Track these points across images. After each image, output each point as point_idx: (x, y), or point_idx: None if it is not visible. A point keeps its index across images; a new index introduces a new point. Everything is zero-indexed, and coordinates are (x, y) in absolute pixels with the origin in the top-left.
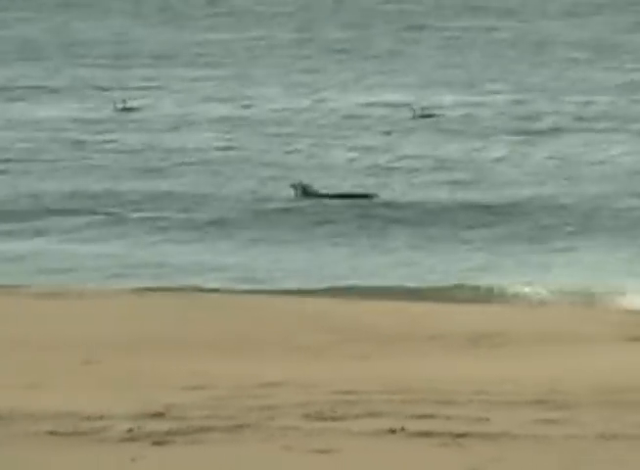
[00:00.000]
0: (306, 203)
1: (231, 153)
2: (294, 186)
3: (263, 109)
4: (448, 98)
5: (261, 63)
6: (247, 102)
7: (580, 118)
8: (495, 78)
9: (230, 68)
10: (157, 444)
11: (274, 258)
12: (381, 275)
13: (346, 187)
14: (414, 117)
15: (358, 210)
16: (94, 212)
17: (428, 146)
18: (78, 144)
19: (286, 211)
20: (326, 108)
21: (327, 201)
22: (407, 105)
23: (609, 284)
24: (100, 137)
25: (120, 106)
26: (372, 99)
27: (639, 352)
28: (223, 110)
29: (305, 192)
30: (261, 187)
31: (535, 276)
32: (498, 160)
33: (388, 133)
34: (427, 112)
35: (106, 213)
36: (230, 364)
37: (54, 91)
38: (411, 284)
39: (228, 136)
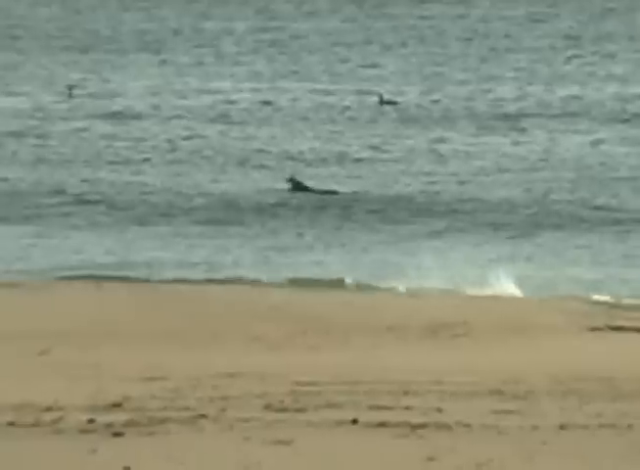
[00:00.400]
0: (289, 196)
1: (196, 142)
2: (290, 180)
3: (224, 99)
4: (415, 86)
5: (221, 50)
6: (209, 91)
7: (545, 108)
8: (463, 67)
9: (188, 56)
10: (115, 435)
11: (235, 248)
12: (335, 269)
13: (310, 178)
14: (381, 104)
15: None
16: (52, 202)
17: (392, 136)
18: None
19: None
20: (289, 96)
21: (313, 195)
22: (373, 93)
23: (567, 274)
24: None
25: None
26: (337, 87)
27: (598, 342)
28: (186, 101)
29: (298, 187)
30: (221, 175)
31: (492, 268)
32: (456, 151)
33: (353, 119)
34: (392, 99)
35: (65, 203)
36: (188, 355)
37: None
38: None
39: (193, 126)
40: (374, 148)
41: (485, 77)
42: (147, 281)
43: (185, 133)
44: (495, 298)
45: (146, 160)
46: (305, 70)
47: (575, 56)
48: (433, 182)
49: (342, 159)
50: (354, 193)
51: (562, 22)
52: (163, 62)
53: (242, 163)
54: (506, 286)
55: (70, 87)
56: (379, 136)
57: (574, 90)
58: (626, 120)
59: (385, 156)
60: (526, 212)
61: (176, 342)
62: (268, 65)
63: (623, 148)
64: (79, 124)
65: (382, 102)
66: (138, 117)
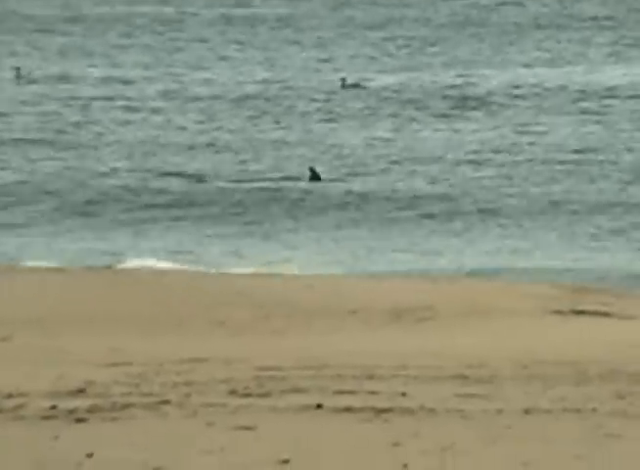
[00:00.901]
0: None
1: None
2: (310, 169)
3: (193, 82)
4: (378, 69)
5: (188, 36)
6: (177, 76)
7: (510, 94)
8: (434, 52)
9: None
10: (78, 421)
11: (204, 236)
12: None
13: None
14: (344, 88)
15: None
16: (20, 190)
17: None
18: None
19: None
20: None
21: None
22: (337, 76)
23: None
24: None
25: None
26: (302, 71)
27: (562, 325)
28: (157, 86)
29: (315, 176)
30: (190, 161)
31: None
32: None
33: (316, 100)
34: (356, 82)
35: (34, 192)
36: (152, 340)
37: None
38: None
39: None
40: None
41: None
42: (110, 267)
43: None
44: (460, 281)
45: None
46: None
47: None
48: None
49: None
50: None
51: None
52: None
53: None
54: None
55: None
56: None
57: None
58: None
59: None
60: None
61: (140, 327)
62: (235, 49)
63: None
64: None
65: (344, 85)
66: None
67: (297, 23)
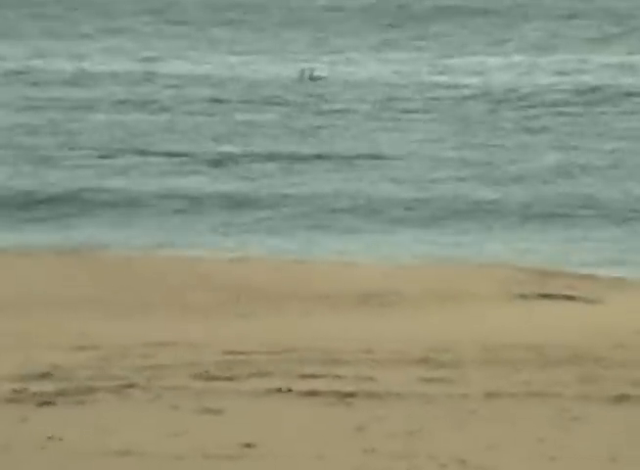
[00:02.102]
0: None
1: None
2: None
3: (165, 69)
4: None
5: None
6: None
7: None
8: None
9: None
10: (44, 404)
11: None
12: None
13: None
14: (302, 80)
15: None
16: None
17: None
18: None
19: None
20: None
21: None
22: (297, 68)
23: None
24: None
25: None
26: (258, 64)
27: (527, 309)
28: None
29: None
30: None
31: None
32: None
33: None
34: (316, 74)
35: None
36: (117, 324)
37: None
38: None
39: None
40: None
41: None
42: (76, 250)
43: None
44: (427, 267)
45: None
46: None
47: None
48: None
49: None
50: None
51: None
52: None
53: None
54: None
55: None
56: None
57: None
58: None
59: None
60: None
61: (106, 311)
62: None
63: None
64: None
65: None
66: None
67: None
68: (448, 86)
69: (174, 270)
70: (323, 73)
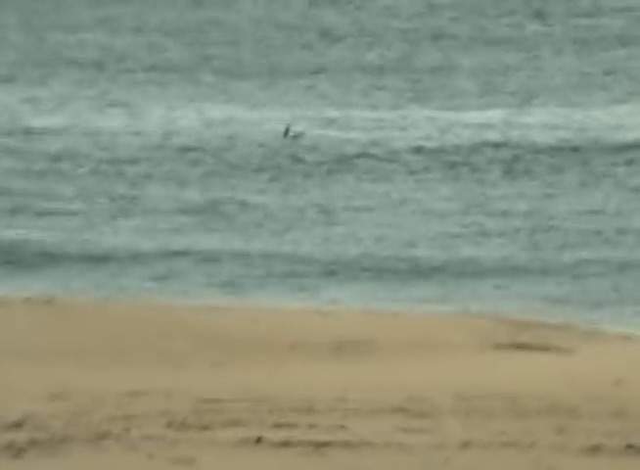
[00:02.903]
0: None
1: None
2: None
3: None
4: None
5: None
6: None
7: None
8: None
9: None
10: (16, 455)
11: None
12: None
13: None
14: (285, 137)
15: None
16: None
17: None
18: None
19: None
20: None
21: None
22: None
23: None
24: None
25: None
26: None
27: (503, 359)
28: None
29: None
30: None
31: None
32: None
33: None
34: (299, 130)
35: None
36: (91, 373)
37: None
38: None
39: None
40: None
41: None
42: (50, 299)
43: None
44: (401, 315)
45: None
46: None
47: None
48: None
49: None
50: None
51: None
52: None
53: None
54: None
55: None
56: None
57: None
58: None
59: None
60: None
61: (79, 360)
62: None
63: None
64: None
65: (287, 133)
66: None
67: None
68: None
69: (148, 318)
70: (300, 129)
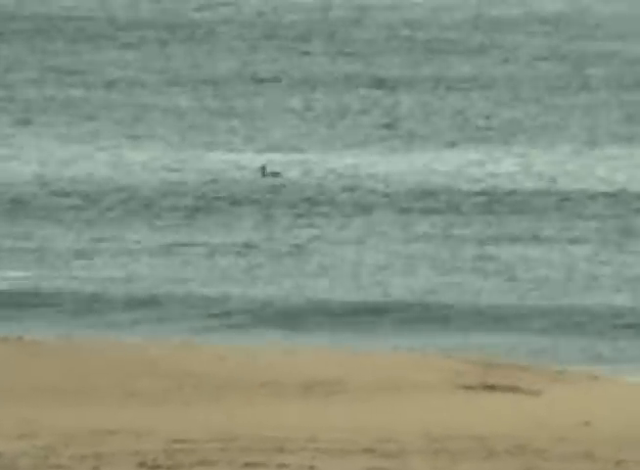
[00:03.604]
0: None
1: None
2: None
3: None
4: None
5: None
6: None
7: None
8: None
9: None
10: None
11: None
12: None
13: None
14: (264, 176)
15: None
16: None
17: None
18: None
19: None
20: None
21: None
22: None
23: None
24: None
25: None
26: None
27: (471, 400)
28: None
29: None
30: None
31: None
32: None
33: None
34: (276, 170)
35: None
36: (61, 411)
37: None
38: None
39: None
40: None
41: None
42: (19, 336)
43: None
44: (371, 355)
45: None
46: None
47: None
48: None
49: None
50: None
51: None
52: None
53: None
54: None
55: None
56: None
57: None
58: None
59: None
60: None
61: (49, 398)
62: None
63: None
64: None
65: (264, 173)
66: None
67: None
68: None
69: (119, 356)
70: (277, 169)
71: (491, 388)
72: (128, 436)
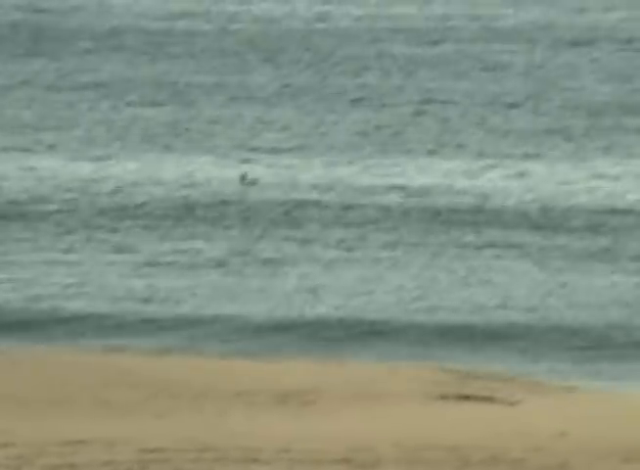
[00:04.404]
0: None
1: None
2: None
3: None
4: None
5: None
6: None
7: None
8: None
9: None
10: None
11: None
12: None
13: None
14: (243, 183)
15: None
16: None
17: None
18: None
19: None
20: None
21: None
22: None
23: None
24: None
25: None
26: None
27: (446, 410)
28: None
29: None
30: None
31: None
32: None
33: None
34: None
35: None
36: (35, 421)
37: None
38: None
39: None
40: None
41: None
42: None
43: None
44: (347, 365)
45: None
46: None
47: None
48: None
49: None
50: None
51: None
52: None
53: None
54: None
55: None
56: None
57: None
58: None
59: None
60: None
61: (22, 408)
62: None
63: None
64: None
65: (244, 180)
66: None
67: None
68: None
69: (92, 367)
70: (256, 176)
71: (467, 398)
72: (101, 446)
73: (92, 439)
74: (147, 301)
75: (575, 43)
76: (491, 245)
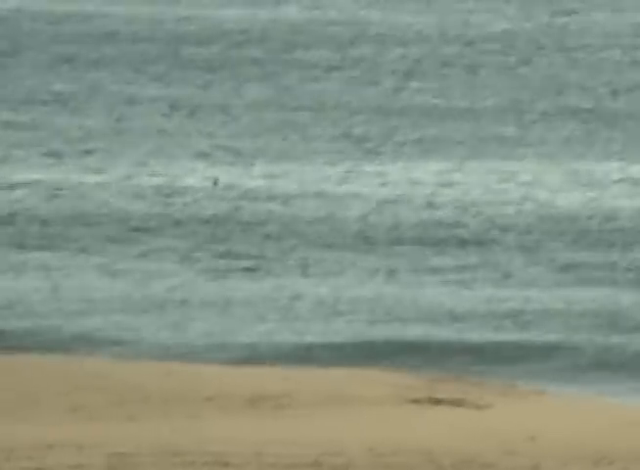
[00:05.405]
0: None
1: None
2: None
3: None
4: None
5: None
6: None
7: None
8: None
9: None
10: None
11: None
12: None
13: None
14: (214, 187)
15: None
16: None
17: None
18: None
19: None
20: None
21: None
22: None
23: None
24: None
25: None
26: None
27: (419, 414)
28: None
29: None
30: None
31: None
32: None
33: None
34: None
35: None
36: (3, 426)
37: None
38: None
39: None
40: None
41: None
42: None
43: None
44: (318, 369)
45: None
46: None
47: None
48: None
49: None
50: None
51: None
52: None
53: None
54: None
55: None
56: None
57: None
58: None
59: None
60: None
61: None
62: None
63: None
64: None
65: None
66: None
67: None
68: None
69: (61, 371)
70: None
71: (438, 402)
72: (70, 450)
73: (61, 443)
74: None
75: None
76: None
